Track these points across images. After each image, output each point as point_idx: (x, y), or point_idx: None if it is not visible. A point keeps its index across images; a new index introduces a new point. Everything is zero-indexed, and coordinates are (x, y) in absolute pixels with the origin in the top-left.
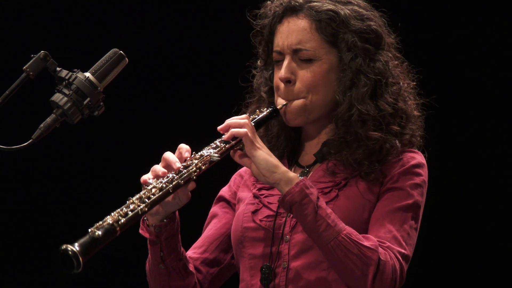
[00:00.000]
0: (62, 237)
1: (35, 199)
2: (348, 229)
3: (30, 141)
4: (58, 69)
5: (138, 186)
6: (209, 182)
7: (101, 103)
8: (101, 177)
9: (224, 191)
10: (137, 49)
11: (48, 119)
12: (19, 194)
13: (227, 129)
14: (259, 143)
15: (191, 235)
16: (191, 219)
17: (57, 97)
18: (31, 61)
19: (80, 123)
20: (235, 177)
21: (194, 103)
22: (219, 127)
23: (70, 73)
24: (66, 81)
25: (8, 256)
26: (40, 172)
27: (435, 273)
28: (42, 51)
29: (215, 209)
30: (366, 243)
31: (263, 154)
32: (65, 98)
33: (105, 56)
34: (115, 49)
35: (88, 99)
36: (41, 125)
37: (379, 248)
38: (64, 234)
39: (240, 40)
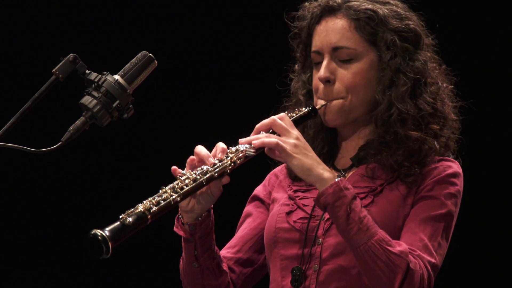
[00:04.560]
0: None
1: (65, 201)
2: (380, 235)
3: (59, 143)
4: (87, 71)
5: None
6: (243, 180)
7: (130, 106)
8: (130, 179)
9: (259, 191)
10: (166, 51)
11: (78, 122)
12: (49, 196)
13: (249, 143)
14: (292, 146)
15: (225, 234)
16: (225, 217)
17: (87, 100)
18: (61, 63)
19: (109, 125)
20: (270, 177)
21: (232, 104)
22: (241, 140)
23: (100, 76)
24: (96, 84)
25: (35, 257)
26: (69, 175)
27: (464, 279)
28: (71, 54)
29: (249, 208)
30: (395, 250)
31: (297, 159)
32: (95, 101)
33: (134, 59)
34: (145, 52)
35: (118, 101)
36: (71, 128)
37: (410, 256)
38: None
39: (278, 43)
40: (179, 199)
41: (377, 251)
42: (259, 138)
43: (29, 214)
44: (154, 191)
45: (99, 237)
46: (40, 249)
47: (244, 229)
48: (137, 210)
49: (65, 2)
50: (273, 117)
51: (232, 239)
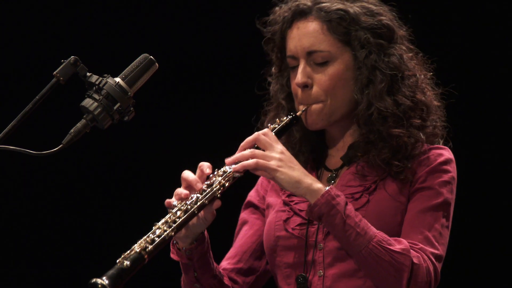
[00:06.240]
0: (90, 243)
1: (66, 203)
2: (379, 236)
3: (60, 146)
4: (88, 74)
5: (162, 190)
6: (237, 184)
7: (131, 109)
8: (131, 182)
9: (252, 196)
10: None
11: (78, 124)
12: (50, 199)
13: (235, 162)
14: (277, 160)
15: (223, 241)
16: (221, 224)
17: (87, 102)
18: (62, 66)
19: (110, 128)
20: (261, 181)
21: (219, 111)
22: (227, 160)
23: (100, 78)
24: (96, 86)
25: (35, 259)
26: (70, 177)
27: (467, 271)
28: (72, 56)
29: (244, 215)
30: (397, 249)
31: (283, 173)
32: (95, 103)
33: (135, 61)
34: (146, 54)
35: (118, 104)
36: (71, 130)
37: (412, 251)
38: (92, 240)
39: (254, 48)
40: (173, 233)
41: (379, 252)
42: (242, 156)
43: (30, 216)
44: (154, 191)
45: (99, 286)
46: (41, 251)
47: (241, 238)
48: (133, 252)
49: (66, 4)
50: (256, 133)
51: (230, 250)
